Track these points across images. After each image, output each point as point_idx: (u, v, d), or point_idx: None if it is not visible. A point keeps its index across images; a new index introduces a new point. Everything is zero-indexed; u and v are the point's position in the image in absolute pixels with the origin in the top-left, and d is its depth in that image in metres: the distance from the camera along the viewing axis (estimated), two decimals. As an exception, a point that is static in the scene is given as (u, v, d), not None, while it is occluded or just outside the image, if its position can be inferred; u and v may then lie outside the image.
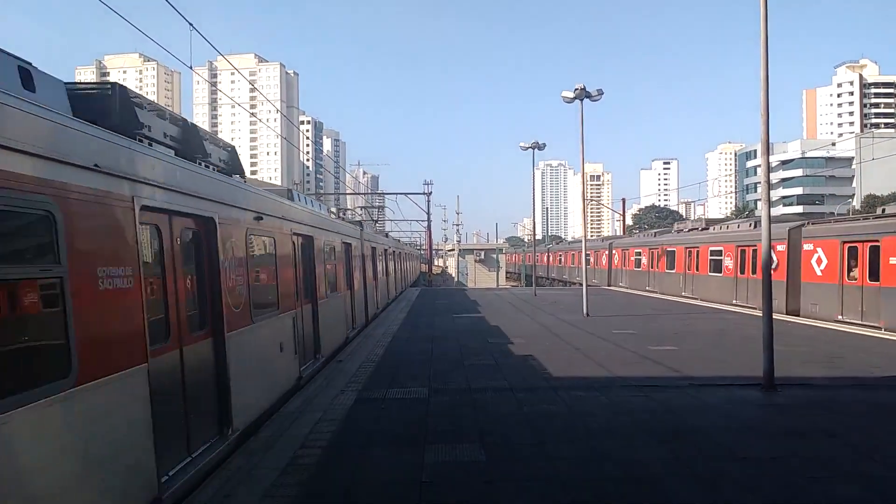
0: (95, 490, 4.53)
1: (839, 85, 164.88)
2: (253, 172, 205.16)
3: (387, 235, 41.91)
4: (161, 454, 5.27)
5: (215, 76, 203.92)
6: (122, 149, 5.21)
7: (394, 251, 34.05)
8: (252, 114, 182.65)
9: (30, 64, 5.04)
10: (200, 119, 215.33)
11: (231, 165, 8.94)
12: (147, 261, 5.53)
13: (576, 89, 21.47)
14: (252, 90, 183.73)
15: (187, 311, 6.38)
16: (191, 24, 18.44)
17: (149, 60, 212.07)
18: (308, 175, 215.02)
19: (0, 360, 3.79)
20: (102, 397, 4.58)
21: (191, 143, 7.38)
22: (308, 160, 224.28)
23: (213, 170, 7.85)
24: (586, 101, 21.63)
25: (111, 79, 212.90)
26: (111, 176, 4.92)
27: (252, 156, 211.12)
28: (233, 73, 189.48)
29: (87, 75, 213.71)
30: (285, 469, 6.40)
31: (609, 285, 41.17)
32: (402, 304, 27.51)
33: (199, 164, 7.43)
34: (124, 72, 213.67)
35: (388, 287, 29.08)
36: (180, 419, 6.00)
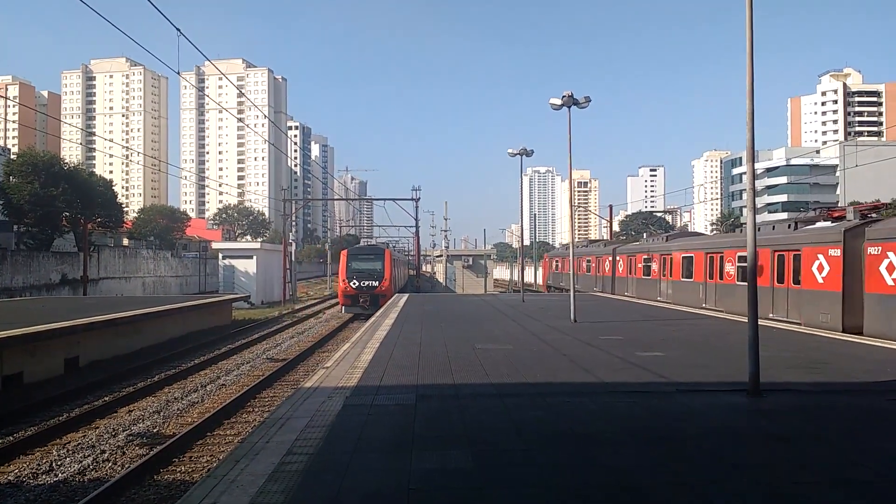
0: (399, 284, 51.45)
1: (823, 93, 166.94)
2: (240, 178, 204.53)
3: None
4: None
5: (203, 81, 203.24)
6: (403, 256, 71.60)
7: None
8: (239, 119, 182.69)
9: (387, 244, 51.56)
10: (188, 124, 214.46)
11: (385, 245, 47.18)
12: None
13: (563, 96, 21.55)
14: (240, 95, 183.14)
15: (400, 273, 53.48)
16: (178, 30, 18.43)
17: (135, 65, 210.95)
18: (296, 181, 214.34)
19: None
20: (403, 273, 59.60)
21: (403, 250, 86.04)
22: (296, 166, 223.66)
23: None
24: (574, 108, 21.72)
25: (97, 83, 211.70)
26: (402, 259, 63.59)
27: (240, 161, 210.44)
28: (220, 79, 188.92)
29: (72, 79, 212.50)
30: (271, 476, 6.35)
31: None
32: (390, 312, 27.45)
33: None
34: (110, 76, 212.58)
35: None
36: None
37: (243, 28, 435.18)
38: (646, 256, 33.80)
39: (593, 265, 44.35)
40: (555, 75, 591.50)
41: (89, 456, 11.01)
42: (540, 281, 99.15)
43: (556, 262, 56.20)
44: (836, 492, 5.93)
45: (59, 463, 10.65)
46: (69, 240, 51.87)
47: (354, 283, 37.09)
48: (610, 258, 40.08)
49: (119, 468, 10.46)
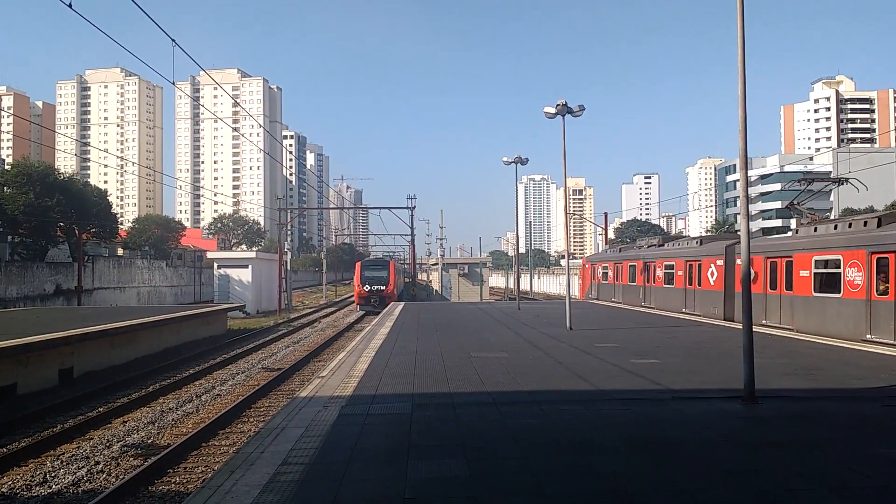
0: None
1: (816, 101, 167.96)
2: (235, 187, 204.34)
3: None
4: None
5: (198, 91, 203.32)
6: (399, 264, 70.75)
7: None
8: (235, 129, 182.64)
9: (392, 255, 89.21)
10: (183, 134, 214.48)
11: (390, 257, 71.86)
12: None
13: (558, 105, 21.64)
14: (235, 105, 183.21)
15: (401, 280, 63.22)
16: (173, 40, 18.45)
17: (130, 75, 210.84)
18: (291, 190, 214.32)
19: None
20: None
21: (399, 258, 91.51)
22: (291, 175, 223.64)
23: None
24: (568, 116, 21.82)
25: (91, 93, 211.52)
26: (402, 268, 73.01)
27: (235, 170, 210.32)
28: (215, 88, 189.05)
29: (67, 89, 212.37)
30: (267, 486, 6.33)
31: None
32: (386, 321, 27.41)
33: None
34: (105, 86, 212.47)
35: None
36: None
37: (238, 38, 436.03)
38: (824, 258, 19.12)
39: (680, 273, 29.48)
40: (550, 83, 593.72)
41: (83, 467, 10.95)
42: (545, 288, 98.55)
43: (604, 268, 41.22)
44: (832, 498, 5.94)
45: (53, 474, 10.59)
46: (63, 250, 51.71)
47: (367, 288, 48.18)
48: (720, 261, 25.54)
49: (113, 479, 10.40)
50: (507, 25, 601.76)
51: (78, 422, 14.07)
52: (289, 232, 61.75)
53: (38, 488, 9.99)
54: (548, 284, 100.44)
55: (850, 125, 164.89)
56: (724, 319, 24.69)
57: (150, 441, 12.76)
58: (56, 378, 17.97)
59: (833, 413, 9.30)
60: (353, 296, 56.55)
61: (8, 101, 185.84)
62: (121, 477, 10.45)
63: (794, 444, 7.69)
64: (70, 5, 14.05)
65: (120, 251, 66.90)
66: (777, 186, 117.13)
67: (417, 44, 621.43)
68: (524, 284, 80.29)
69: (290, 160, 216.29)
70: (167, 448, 11.80)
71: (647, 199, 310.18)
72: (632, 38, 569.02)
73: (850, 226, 18.80)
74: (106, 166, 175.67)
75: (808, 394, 10.58)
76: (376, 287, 47.69)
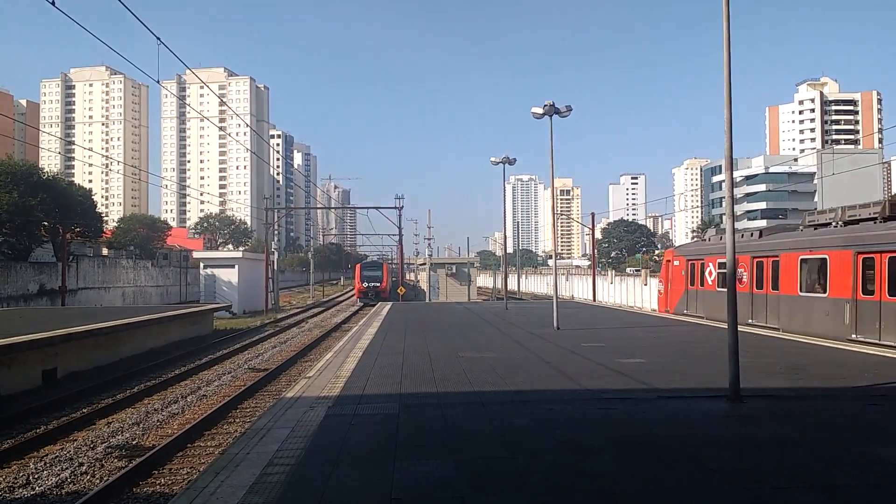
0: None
1: (801, 102, 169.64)
2: (222, 187, 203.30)
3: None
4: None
5: (184, 90, 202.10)
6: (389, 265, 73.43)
7: None
8: (221, 128, 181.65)
9: (385, 257, 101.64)
10: (168, 133, 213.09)
11: (383, 259, 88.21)
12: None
13: (545, 105, 21.72)
14: (221, 104, 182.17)
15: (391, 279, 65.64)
16: (158, 39, 18.31)
17: (115, 74, 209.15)
18: (278, 189, 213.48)
19: None
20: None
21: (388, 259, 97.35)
22: (278, 174, 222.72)
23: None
24: (556, 117, 21.90)
25: (76, 91, 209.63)
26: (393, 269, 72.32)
27: (221, 169, 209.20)
28: (202, 87, 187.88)
29: (52, 88, 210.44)
30: (252, 487, 6.30)
31: None
32: (373, 321, 27.35)
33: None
34: (90, 85, 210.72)
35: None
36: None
37: (225, 37, 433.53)
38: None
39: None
40: (538, 84, 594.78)
41: (67, 469, 10.84)
42: (532, 288, 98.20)
43: (705, 266, 26.11)
44: (816, 496, 5.98)
45: (36, 476, 10.48)
46: (48, 250, 51.22)
47: (366, 284, 59.37)
48: None
49: (97, 481, 10.30)
50: (494, 24, 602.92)
51: (62, 423, 13.92)
52: (276, 232, 61.50)
53: (20, 490, 9.88)
54: (535, 284, 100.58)
55: (835, 126, 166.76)
56: None
57: (134, 442, 12.65)
58: (39, 379, 17.77)
59: (818, 412, 9.38)
60: (340, 296, 72.03)
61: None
62: (105, 478, 10.35)
63: (780, 443, 7.75)
64: (53, 3, 13.90)
65: (105, 251, 66.29)
66: (762, 187, 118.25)
67: (405, 44, 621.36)
68: (512, 284, 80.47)
69: (278, 160, 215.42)
70: (152, 449, 11.70)
71: (633, 199, 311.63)
72: (618, 37, 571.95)
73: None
74: (91, 165, 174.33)
75: (793, 392, 10.67)
76: (373, 284, 59.13)
